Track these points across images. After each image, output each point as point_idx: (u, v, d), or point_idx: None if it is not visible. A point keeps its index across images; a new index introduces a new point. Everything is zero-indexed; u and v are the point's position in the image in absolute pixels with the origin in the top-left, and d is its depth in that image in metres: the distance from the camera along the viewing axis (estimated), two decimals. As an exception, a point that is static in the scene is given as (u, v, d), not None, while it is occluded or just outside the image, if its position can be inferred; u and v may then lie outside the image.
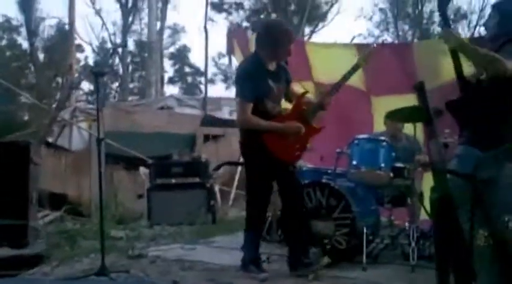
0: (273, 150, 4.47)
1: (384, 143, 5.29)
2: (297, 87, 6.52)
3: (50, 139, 11.12)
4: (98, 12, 31.96)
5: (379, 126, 6.46)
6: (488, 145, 3.30)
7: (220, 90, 38.59)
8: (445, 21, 3.40)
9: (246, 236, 4.74)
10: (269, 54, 4.55)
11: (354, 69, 4.97)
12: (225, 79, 37.21)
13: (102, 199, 4.63)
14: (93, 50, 33.87)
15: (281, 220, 4.83)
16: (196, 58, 50.33)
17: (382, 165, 5.21)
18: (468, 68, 3.77)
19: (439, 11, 3.43)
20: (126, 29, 31.65)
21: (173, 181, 7.94)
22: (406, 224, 5.41)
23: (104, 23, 32.80)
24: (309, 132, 4.63)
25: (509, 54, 3.35)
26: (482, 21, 26.80)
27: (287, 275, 4.61)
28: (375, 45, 5.13)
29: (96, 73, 4.39)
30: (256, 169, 4.61)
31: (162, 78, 30.49)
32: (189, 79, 42.27)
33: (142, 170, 8.85)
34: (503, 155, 3.03)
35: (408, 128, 5.86)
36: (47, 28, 29.53)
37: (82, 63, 33.42)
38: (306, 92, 4.84)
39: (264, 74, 4.52)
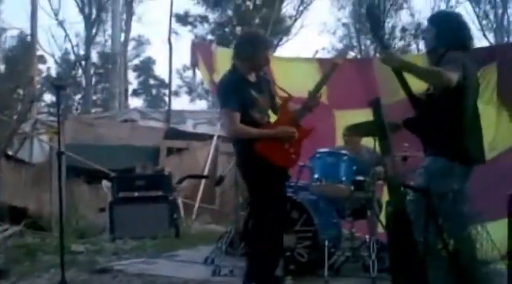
0: (269, 157, 4.35)
1: (345, 157, 5.36)
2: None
3: (10, 152, 10.91)
4: (60, 24, 31.63)
5: (342, 139, 6.55)
6: (453, 154, 3.41)
7: (185, 103, 38.52)
8: (381, 44, 3.49)
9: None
10: (248, 65, 4.51)
11: (332, 69, 4.98)
12: (190, 92, 37.17)
13: (63, 213, 4.57)
14: (56, 61, 33.54)
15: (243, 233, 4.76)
16: (161, 70, 50.07)
17: (343, 178, 5.28)
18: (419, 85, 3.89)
19: (374, 36, 3.54)
20: (89, 41, 31.36)
21: (136, 194, 7.86)
22: (367, 236, 5.48)
23: (67, 34, 32.52)
24: (301, 135, 4.57)
25: (449, 65, 3.47)
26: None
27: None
28: (340, 61, 5.16)
29: (57, 86, 4.35)
30: (259, 183, 4.44)
31: (126, 90, 30.23)
32: (154, 91, 42.08)
33: (105, 183, 8.74)
34: (451, 169, 3.13)
35: (369, 141, 5.96)
36: (8, 39, 29.12)
37: (44, 74, 33.03)
38: (290, 97, 4.77)
39: (246, 85, 4.48)
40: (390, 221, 2.07)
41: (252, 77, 4.55)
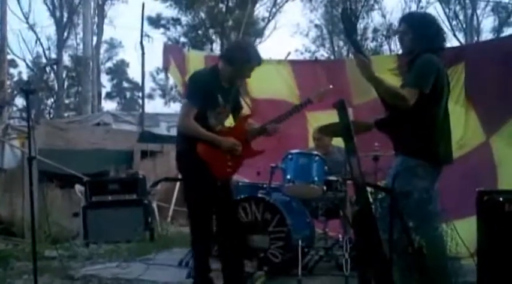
0: (206, 161, 4.37)
1: (317, 157, 5.43)
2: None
3: (-19, 158, 10.79)
4: (31, 27, 31.27)
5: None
6: (422, 154, 3.48)
7: (159, 106, 38.42)
8: (355, 48, 3.55)
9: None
10: (230, 71, 4.51)
11: (304, 104, 4.99)
12: (164, 95, 37.02)
13: (35, 218, 4.54)
14: (27, 65, 33.17)
15: (216, 235, 4.78)
16: (134, 73, 49.71)
17: (315, 178, 5.34)
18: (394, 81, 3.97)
19: (348, 40, 3.59)
20: (61, 44, 31.05)
21: (109, 198, 7.82)
22: (340, 236, 5.55)
23: (38, 38, 32.14)
24: (246, 153, 4.59)
25: (414, 76, 3.55)
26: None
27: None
28: (331, 86, 5.24)
29: (26, 91, 4.33)
30: (194, 183, 4.49)
31: (99, 93, 30.04)
32: (128, 94, 41.85)
33: (78, 188, 8.68)
34: (416, 169, 3.20)
35: (340, 141, 6.03)
36: (-22, 43, 28.66)
37: (16, 78, 32.64)
38: (251, 115, 4.88)
39: (217, 89, 4.49)
40: (356, 220, 2.11)
41: (226, 84, 4.57)
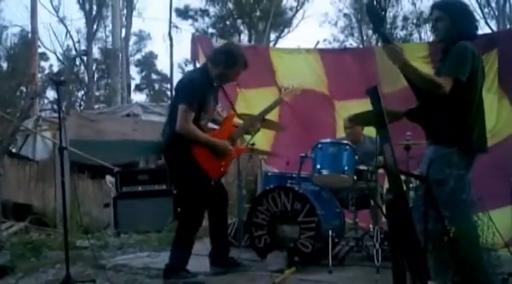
0: (201, 162, 4.56)
1: (347, 147, 5.37)
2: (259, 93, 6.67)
3: (14, 149, 10.95)
4: (61, 20, 31.61)
5: (343, 130, 6.55)
6: (455, 142, 3.41)
7: (188, 97, 38.38)
8: (384, 40, 3.47)
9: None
10: (218, 73, 4.70)
11: (275, 104, 5.27)
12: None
13: (67, 208, 4.58)
14: (58, 58, 33.55)
15: (209, 222, 4.96)
16: (163, 65, 50.04)
17: (346, 168, 5.28)
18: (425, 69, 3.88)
19: (376, 33, 3.52)
20: (90, 37, 31.34)
21: (139, 188, 7.90)
22: (370, 226, 5.50)
23: (68, 31, 32.53)
24: (234, 152, 4.84)
25: (450, 63, 3.47)
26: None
27: (254, 277, 4.65)
28: (300, 90, 5.53)
29: (55, 81, 4.36)
30: (186, 177, 4.67)
31: (128, 85, 30.28)
32: (157, 86, 42.09)
33: (108, 178, 8.78)
34: (450, 157, 3.13)
35: (371, 131, 5.96)
36: (10, 36, 29.11)
37: (47, 71, 33.06)
38: (235, 114, 4.98)
39: (208, 90, 4.68)
40: (390, 209, 2.07)
41: (215, 83, 4.77)
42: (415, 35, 29.84)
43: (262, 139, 6.89)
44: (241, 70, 4.79)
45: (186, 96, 4.57)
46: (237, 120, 5.05)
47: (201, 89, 4.61)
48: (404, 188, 2.78)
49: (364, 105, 5.00)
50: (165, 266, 4.64)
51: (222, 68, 4.68)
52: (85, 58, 29.73)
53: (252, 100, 7.83)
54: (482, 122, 3.76)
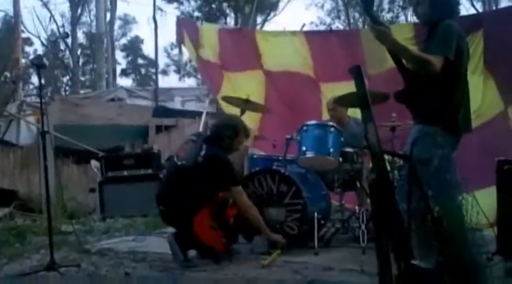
0: (203, 240, 4.60)
1: (332, 128, 5.34)
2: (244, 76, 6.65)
3: (-3, 135, 10.84)
4: (45, 4, 31.21)
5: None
6: (440, 123, 3.40)
7: (174, 81, 38.35)
8: (374, 21, 3.44)
9: None
10: (230, 145, 4.92)
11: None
12: (178, 70, 36.92)
13: (52, 194, 4.54)
14: (42, 43, 33.18)
15: None
16: (149, 49, 49.72)
17: (331, 150, 5.26)
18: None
19: (366, 14, 3.47)
20: (75, 21, 31.01)
21: (125, 173, 7.85)
22: (356, 207, 5.50)
23: (52, 15, 32.09)
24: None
25: (437, 43, 3.45)
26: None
27: (241, 260, 4.65)
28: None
29: (37, 65, 4.30)
30: None
31: (114, 70, 30.02)
32: (143, 70, 41.81)
33: (94, 163, 8.70)
34: (435, 136, 3.12)
35: (357, 112, 5.95)
36: (-7, 22, 28.70)
37: (31, 56, 32.70)
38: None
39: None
40: (373, 189, 2.05)
41: None
42: (402, 17, 29.80)
43: (249, 123, 6.85)
44: (243, 137, 5.02)
45: (236, 178, 4.81)
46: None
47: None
48: (389, 168, 2.77)
49: (349, 87, 4.97)
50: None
51: (225, 140, 4.87)
52: (69, 42, 29.46)
53: (237, 83, 7.80)
54: (467, 102, 3.76)
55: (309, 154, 5.28)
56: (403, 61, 3.55)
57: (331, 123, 5.53)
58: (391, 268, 2.15)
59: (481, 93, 6.57)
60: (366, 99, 2.04)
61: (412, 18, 27.99)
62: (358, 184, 5.55)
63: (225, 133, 4.87)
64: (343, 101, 5.02)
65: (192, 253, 4.67)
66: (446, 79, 3.49)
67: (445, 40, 3.48)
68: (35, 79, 27.66)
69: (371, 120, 2.02)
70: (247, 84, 7.62)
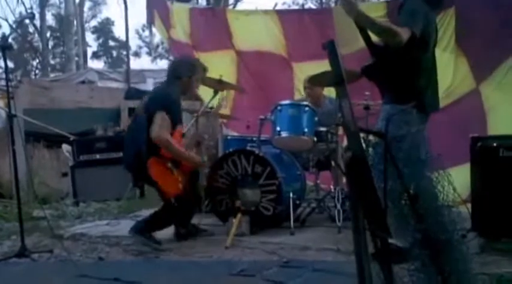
0: (159, 183, 4.61)
1: (306, 108, 5.32)
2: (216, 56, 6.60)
3: (-36, 120, 10.58)
4: (12, -14, 30.53)
5: (301, 91, 6.51)
6: (409, 100, 3.39)
7: (146, 63, 37.96)
8: None
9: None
10: (178, 86, 4.79)
11: (206, 112, 5.68)
12: (150, 52, 36.53)
13: (22, 178, 4.44)
14: (10, 26, 32.47)
15: None
16: (120, 31, 49.00)
17: (306, 129, 5.24)
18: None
19: None
20: (43, 3, 30.38)
21: (97, 157, 7.72)
22: (332, 187, 5.51)
23: (19, -3, 31.42)
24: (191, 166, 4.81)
25: (406, 17, 3.44)
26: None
27: (215, 242, 4.62)
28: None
29: (1, 46, 4.17)
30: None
31: (85, 52, 29.58)
32: (114, 53, 41.29)
33: (65, 147, 8.54)
34: (408, 114, 3.12)
35: (331, 91, 5.93)
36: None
37: (-1, 39, 31.94)
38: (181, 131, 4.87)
39: (179, 104, 4.79)
40: (349, 167, 2.02)
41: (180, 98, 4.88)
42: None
43: (222, 103, 6.81)
44: (201, 72, 4.93)
45: (165, 105, 4.56)
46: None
47: (177, 103, 4.72)
48: (364, 146, 2.76)
49: (322, 66, 4.93)
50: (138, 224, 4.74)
51: (177, 84, 4.77)
52: (38, 24, 28.87)
53: (209, 63, 7.62)
54: (435, 82, 3.77)
55: (284, 134, 5.25)
56: (372, 36, 3.53)
57: (305, 103, 5.50)
58: (368, 246, 2.13)
59: (452, 70, 6.57)
60: (341, 75, 2.00)
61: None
62: (333, 164, 5.55)
63: (183, 71, 4.79)
64: (317, 80, 4.99)
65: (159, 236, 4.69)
66: (410, 59, 3.51)
67: (412, 15, 3.49)
68: (2, 63, 27.09)
69: (346, 97, 1.98)
70: (219, 65, 7.55)
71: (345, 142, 5.72)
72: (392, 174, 2.31)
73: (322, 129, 5.38)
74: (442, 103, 4.09)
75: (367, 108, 5.33)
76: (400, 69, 3.55)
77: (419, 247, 2.51)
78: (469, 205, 4.08)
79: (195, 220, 5.14)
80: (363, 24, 3.43)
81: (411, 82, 3.57)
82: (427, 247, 2.50)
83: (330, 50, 2.03)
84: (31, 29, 31.73)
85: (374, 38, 3.59)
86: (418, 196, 2.40)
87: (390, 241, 2.12)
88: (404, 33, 3.35)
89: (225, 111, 7.03)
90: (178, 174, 4.63)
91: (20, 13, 31.82)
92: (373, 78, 3.77)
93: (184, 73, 4.78)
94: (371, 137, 3.11)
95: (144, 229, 4.65)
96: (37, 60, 33.13)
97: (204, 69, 4.99)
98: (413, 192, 2.41)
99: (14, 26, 30.71)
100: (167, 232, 4.87)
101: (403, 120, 3.13)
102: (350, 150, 2.03)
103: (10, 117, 4.20)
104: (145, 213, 6.33)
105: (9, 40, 4.47)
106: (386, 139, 2.24)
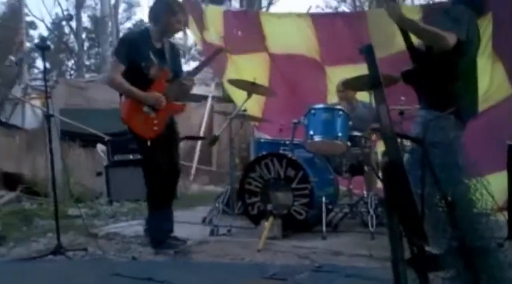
0: (131, 125, 4.54)
1: (340, 112, 5.30)
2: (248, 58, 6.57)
3: (3, 118, 10.81)
4: (49, -13, 31.04)
5: (334, 95, 6.48)
6: (447, 106, 3.36)
7: (179, 65, 38.11)
8: None
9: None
10: (158, 29, 4.62)
11: (216, 53, 5.24)
12: (183, 54, 36.74)
13: (58, 177, 4.51)
14: (47, 27, 33.05)
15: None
16: (153, 33, 49.28)
17: (339, 134, 5.23)
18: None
19: None
20: (79, 4, 30.83)
21: (131, 157, 7.80)
22: (365, 192, 5.47)
23: (56, -1, 31.95)
24: (168, 108, 4.57)
25: (452, 22, 3.39)
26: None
27: (247, 245, 4.63)
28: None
29: (41, 46, 4.26)
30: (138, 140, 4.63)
31: (119, 53, 29.81)
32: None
33: (100, 147, 8.68)
34: (446, 119, 3.08)
35: (364, 96, 5.89)
36: (-3, 5, 28.57)
37: (36, 40, 32.58)
38: (166, 73, 4.64)
39: (148, 47, 4.55)
40: (386, 173, 2.01)
41: (159, 44, 4.63)
42: (408, 1, 29.50)
43: (253, 106, 6.82)
44: (174, 17, 4.59)
45: (116, 49, 4.67)
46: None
47: (134, 45, 4.52)
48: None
49: (355, 70, 4.94)
50: (150, 238, 4.65)
51: (153, 24, 4.63)
52: (74, 25, 29.31)
53: (241, 65, 7.74)
54: (475, 88, 3.72)
55: (317, 138, 5.24)
56: (414, 40, 3.50)
57: (339, 107, 5.48)
58: (404, 253, 2.12)
59: (488, 76, 6.49)
60: (378, 79, 1.99)
61: (418, 1, 27.82)
62: (367, 169, 5.51)
63: (158, 12, 4.60)
64: (352, 84, 4.98)
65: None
66: (450, 64, 3.46)
67: (458, 20, 3.43)
68: (39, 63, 27.56)
69: (383, 102, 1.97)
70: (251, 67, 7.57)
71: (377, 147, 5.70)
72: (428, 180, 2.29)
73: (356, 133, 5.35)
74: (479, 108, 4.03)
75: (401, 113, 5.28)
76: (440, 74, 3.50)
77: (455, 254, 2.47)
78: (506, 213, 4.02)
79: (227, 222, 5.17)
80: (407, 27, 3.40)
81: (450, 87, 3.52)
82: (463, 254, 2.47)
83: (367, 54, 2.02)
84: (67, 30, 32.20)
85: (415, 41, 3.56)
86: (456, 203, 2.37)
87: (427, 248, 2.10)
88: (451, 38, 3.31)
89: (256, 113, 7.04)
90: (155, 117, 4.50)
91: (57, 14, 32.43)
92: (412, 83, 3.73)
93: (160, 14, 4.57)
94: (406, 142, 3.09)
95: (154, 236, 4.63)
96: (72, 61, 33.61)
97: (183, 10, 4.75)
98: (451, 199, 2.38)
99: (51, 27, 31.32)
100: (200, 233, 4.89)
101: (440, 126, 3.10)
102: (387, 155, 2.02)
103: (48, 117, 4.27)
104: (178, 214, 6.39)
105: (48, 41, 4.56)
106: (424, 145, 2.22)
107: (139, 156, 7.65)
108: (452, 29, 3.37)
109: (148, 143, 4.47)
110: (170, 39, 4.86)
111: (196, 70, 4.90)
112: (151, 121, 4.48)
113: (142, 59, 4.49)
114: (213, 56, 5.17)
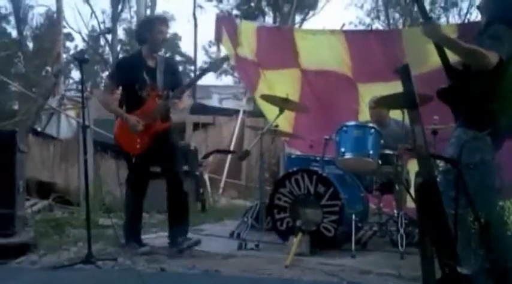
0: (116, 136, 5.07)
1: (372, 130, 5.27)
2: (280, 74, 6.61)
3: (38, 128, 11.02)
4: (87, 0, 31.68)
5: (366, 112, 6.45)
6: (483, 126, 3.31)
7: (211, 79, 38.48)
8: (424, 16, 3.37)
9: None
10: (146, 49, 4.96)
11: (203, 72, 5.75)
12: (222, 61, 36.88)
13: (90, 187, 4.58)
14: (83, 39, 33.69)
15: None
16: (187, 47, 50.10)
17: (370, 151, 5.19)
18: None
19: (418, 7, 3.40)
20: (115, 17, 31.39)
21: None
22: (394, 211, 5.42)
23: (93, 11, 32.58)
24: (152, 127, 4.90)
25: (493, 41, 3.35)
26: (472, 9, 26.80)
27: (275, 260, 4.61)
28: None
29: (78, 59, 4.36)
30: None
31: (152, 66, 30.21)
32: (181, 68, 42.07)
33: (131, 158, 8.76)
34: (482, 140, 3.04)
35: (396, 114, 5.85)
36: (36, 16, 29.27)
37: (72, 51, 33.20)
38: (157, 92, 4.94)
39: (141, 67, 4.89)
40: (419, 193, 2.00)
41: (152, 62, 4.96)
42: (443, 19, 29.28)
43: (283, 121, 6.82)
44: (162, 24, 4.98)
45: (111, 72, 5.24)
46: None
47: (127, 68, 4.92)
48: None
49: (388, 88, 4.92)
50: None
51: (144, 41, 4.94)
52: (109, 38, 29.81)
53: (272, 81, 7.75)
54: None
55: (348, 156, 5.22)
56: (451, 59, 3.46)
57: (371, 124, 5.45)
58: (435, 273, 2.10)
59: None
60: (414, 99, 1.98)
61: (453, 19, 27.63)
62: (398, 187, 5.45)
63: (142, 32, 4.97)
64: (385, 102, 4.95)
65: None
66: (487, 82, 3.41)
67: (498, 39, 3.38)
68: (75, 74, 28.12)
69: (418, 122, 1.96)
70: (283, 83, 7.58)
71: (409, 166, 5.65)
72: (462, 201, 2.26)
73: (388, 151, 5.31)
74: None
75: (435, 132, 5.23)
76: (478, 92, 3.45)
77: (487, 275, 2.44)
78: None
79: (255, 237, 5.17)
80: (447, 46, 3.36)
81: (487, 106, 3.47)
82: (495, 276, 2.44)
83: (403, 74, 2.02)
84: (102, 42, 32.79)
85: (452, 59, 3.53)
86: (489, 225, 2.33)
87: (459, 268, 2.08)
88: (493, 57, 3.27)
89: (286, 129, 7.04)
90: (137, 136, 4.86)
91: (93, 27, 33.07)
92: (449, 101, 3.69)
93: (142, 33, 4.96)
94: (440, 162, 3.06)
95: (125, 225, 5.16)
96: (106, 72, 34.15)
97: (162, 21, 5.07)
98: (484, 220, 2.35)
99: (87, 39, 31.89)
100: (228, 247, 4.90)
101: (476, 147, 3.05)
102: (421, 175, 2.01)
103: (84, 127, 4.35)
104: (207, 227, 6.42)
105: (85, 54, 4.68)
106: (459, 166, 2.20)
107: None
108: (493, 48, 3.33)
109: (133, 160, 4.94)
110: (163, 55, 5.35)
111: (185, 88, 5.22)
112: (135, 139, 4.88)
113: (136, 80, 4.86)
114: (200, 75, 5.74)
